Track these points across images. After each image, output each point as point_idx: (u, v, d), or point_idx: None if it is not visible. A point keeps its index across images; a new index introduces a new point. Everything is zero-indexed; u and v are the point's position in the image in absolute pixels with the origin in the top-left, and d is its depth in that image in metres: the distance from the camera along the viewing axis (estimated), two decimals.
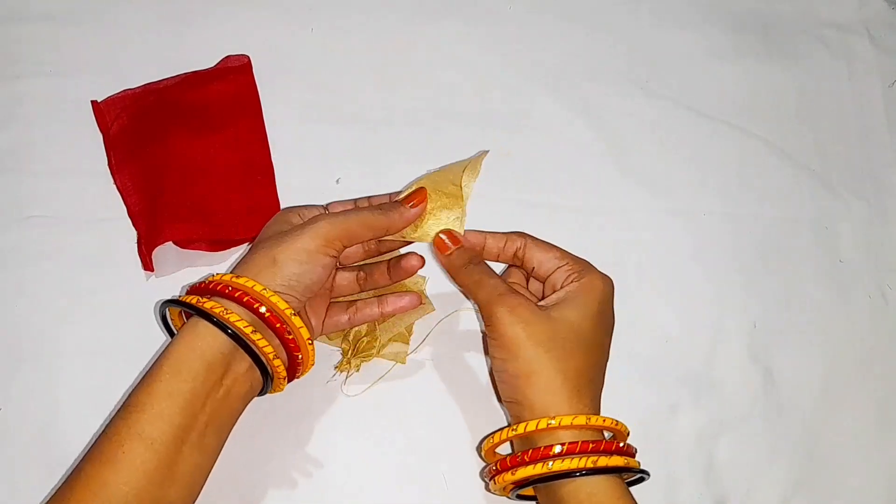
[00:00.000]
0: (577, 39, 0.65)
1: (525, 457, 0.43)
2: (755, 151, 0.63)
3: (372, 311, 0.52)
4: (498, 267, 0.51)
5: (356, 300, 0.52)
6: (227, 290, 0.44)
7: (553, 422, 0.42)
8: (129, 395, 0.43)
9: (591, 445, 0.42)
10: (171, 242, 0.55)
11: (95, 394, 0.51)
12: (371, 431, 0.52)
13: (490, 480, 0.46)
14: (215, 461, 0.45)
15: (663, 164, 0.62)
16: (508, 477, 0.43)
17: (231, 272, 0.46)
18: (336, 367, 0.52)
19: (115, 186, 0.56)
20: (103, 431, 0.42)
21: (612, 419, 0.44)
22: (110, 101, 0.58)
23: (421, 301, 0.52)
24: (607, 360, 0.47)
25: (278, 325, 0.44)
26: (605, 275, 0.48)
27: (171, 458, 0.41)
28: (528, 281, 0.51)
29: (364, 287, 0.53)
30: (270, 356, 0.45)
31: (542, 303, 0.47)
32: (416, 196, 0.49)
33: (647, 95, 0.64)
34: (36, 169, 0.57)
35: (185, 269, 0.55)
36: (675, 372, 0.56)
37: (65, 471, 0.49)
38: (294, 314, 0.44)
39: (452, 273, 0.49)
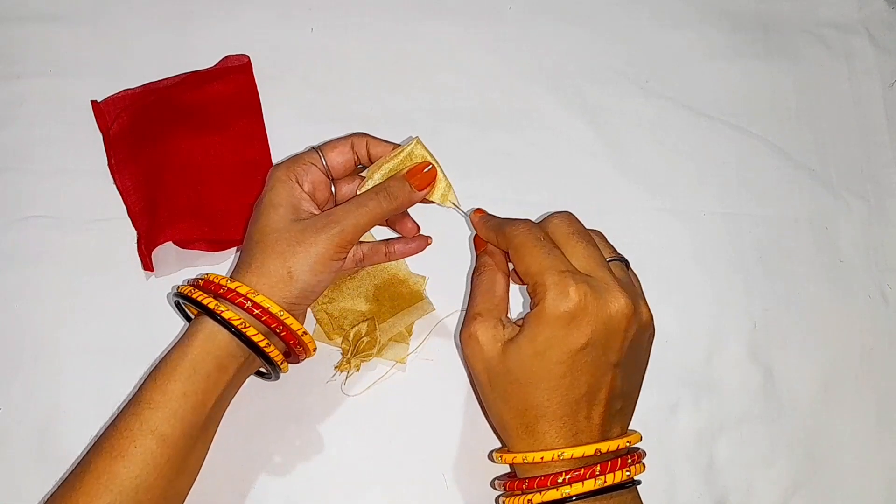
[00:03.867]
0: (576, 39, 0.65)
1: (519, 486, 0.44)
2: (755, 151, 0.63)
3: (379, 255, 0.52)
4: None
5: (365, 242, 0.52)
6: (244, 305, 0.44)
7: (497, 458, 0.45)
8: (142, 391, 0.44)
9: (525, 483, 0.42)
10: (171, 242, 0.55)
11: (95, 394, 0.51)
12: (371, 431, 0.52)
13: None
14: (210, 446, 0.47)
15: (663, 163, 0.62)
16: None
17: (242, 276, 0.46)
18: (336, 367, 0.52)
19: (115, 186, 0.56)
20: (113, 425, 0.43)
21: (556, 452, 0.41)
22: (110, 101, 0.58)
23: (427, 244, 0.53)
24: (594, 385, 0.42)
25: (291, 342, 0.46)
26: (572, 292, 0.41)
27: (182, 454, 0.43)
28: None
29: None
30: (279, 361, 0.47)
31: (515, 324, 0.45)
32: (424, 175, 0.48)
33: (647, 95, 0.64)
34: (36, 169, 0.57)
35: (185, 269, 0.55)
36: (675, 372, 0.56)
37: (65, 470, 0.49)
38: (305, 332, 0.47)
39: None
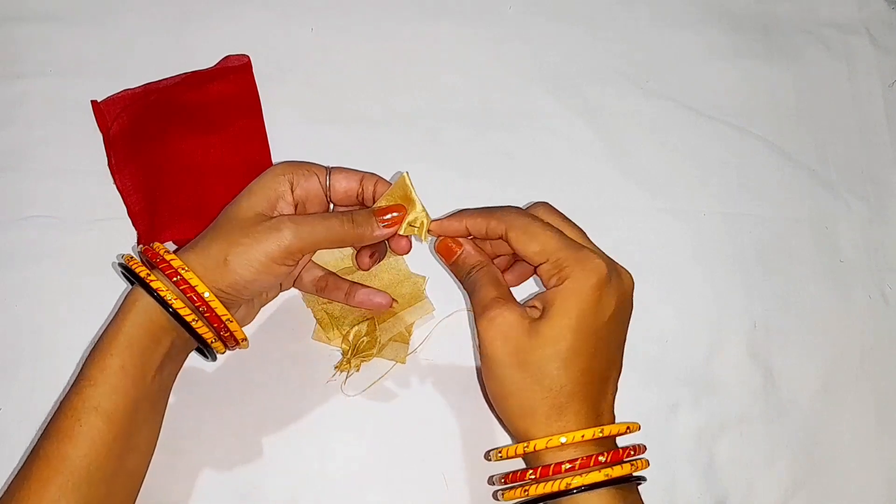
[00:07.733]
0: (576, 39, 0.65)
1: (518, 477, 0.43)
2: (755, 151, 0.63)
3: (338, 296, 0.51)
4: None
5: (331, 273, 0.52)
6: (173, 278, 0.44)
7: (528, 447, 0.42)
8: (82, 370, 0.43)
9: (565, 465, 0.41)
10: (171, 242, 0.55)
11: None
12: (371, 431, 0.52)
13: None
14: (161, 423, 0.47)
15: (663, 164, 0.62)
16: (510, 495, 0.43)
17: (183, 252, 0.45)
18: (336, 367, 0.52)
19: (115, 186, 0.56)
20: (58, 408, 0.43)
21: (597, 429, 0.42)
22: (110, 101, 0.58)
23: (391, 305, 0.52)
24: (612, 361, 0.44)
25: (216, 325, 0.45)
26: (599, 264, 0.42)
27: (128, 430, 0.43)
28: None
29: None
30: (210, 340, 0.46)
31: (529, 307, 0.44)
32: (393, 213, 0.46)
33: (647, 95, 0.64)
34: (36, 169, 0.57)
35: None
36: (675, 372, 0.56)
37: None
38: (231, 320, 0.45)
39: (458, 279, 0.48)
